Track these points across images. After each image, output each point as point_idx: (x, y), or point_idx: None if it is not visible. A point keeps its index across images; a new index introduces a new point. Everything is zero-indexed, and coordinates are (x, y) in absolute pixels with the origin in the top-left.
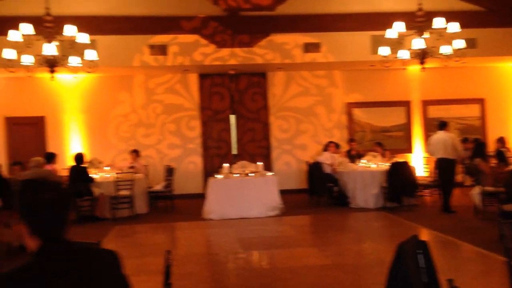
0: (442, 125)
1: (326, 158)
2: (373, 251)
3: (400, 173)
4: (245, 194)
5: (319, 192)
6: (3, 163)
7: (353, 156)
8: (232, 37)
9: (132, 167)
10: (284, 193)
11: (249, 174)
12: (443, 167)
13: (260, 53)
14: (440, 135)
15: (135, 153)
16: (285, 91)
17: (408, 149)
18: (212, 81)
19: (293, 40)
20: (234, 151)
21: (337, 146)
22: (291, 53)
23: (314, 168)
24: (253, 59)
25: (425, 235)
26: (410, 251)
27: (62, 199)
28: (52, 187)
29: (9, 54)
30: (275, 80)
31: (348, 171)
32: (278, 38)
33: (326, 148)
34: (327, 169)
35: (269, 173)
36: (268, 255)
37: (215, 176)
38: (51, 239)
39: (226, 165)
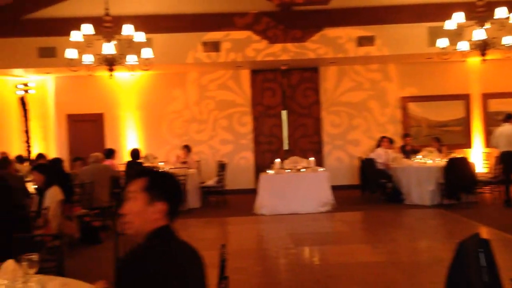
0: (509, 117)
1: (379, 154)
2: (430, 249)
3: (458, 169)
4: (297, 190)
5: (372, 188)
6: (65, 158)
7: (408, 152)
8: (284, 32)
9: (184, 163)
10: (335, 189)
11: (300, 170)
12: (507, 161)
13: (312, 48)
14: (505, 128)
15: (187, 148)
16: (337, 86)
17: (467, 144)
18: (264, 76)
19: (347, 34)
20: (286, 146)
21: (390, 141)
22: (344, 47)
23: (367, 164)
24: (305, 54)
25: (485, 233)
26: (471, 250)
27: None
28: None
29: (71, 54)
30: (327, 75)
31: (402, 167)
32: (331, 32)
33: (379, 143)
34: (380, 165)
35: (321, 169)
36: (320, 251)
37: (267, 171)
38: (171, 221)
39: (277, 160)
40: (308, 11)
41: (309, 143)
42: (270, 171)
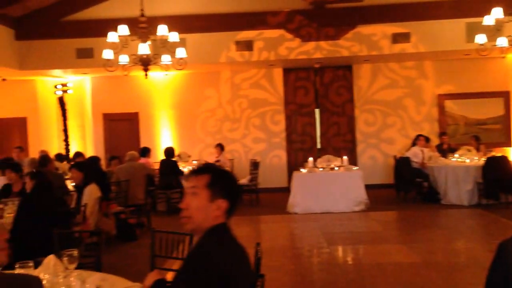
0: None
1: (415, 153)
2: (468, 250)
3: (497, 168)
4: (330, 189)
5: (407, 187)
6: (101, 156)
7: (445, 151)
8: (318, 30)
9: (217, 161)
10: (369, 188)
11: (334, 169)
12: None
13: (346, 46)
14: None
15: (220, 147)
16: (371, 84)
17: (506, 143)
18: (296, 75)
19: (381, 31)
20: (319, 145)
21: (427, 139)
22: (378, 45)
23: (402, 163)
24: (338, 52)
25: None
26: None
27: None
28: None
29: (108, 54)
30: (361, 73)
31: (439, 166)
32: (365, 29)
33: (415, 142)
34: (416, 164)
35: (354, 168)
36: (354, 251)
37: (300, 170)
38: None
39: (310, 159)
40: (341, 9)
41: (342, 142)
42: (303, 170)
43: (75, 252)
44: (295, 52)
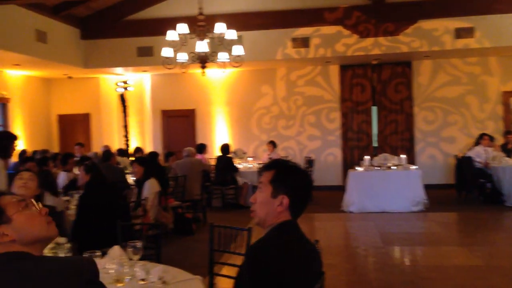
0: None
1: (478, 152)
2: None
3: None
4: (387, 188)
5: (469, 188)
6: (159, 152)
7: (510, 150)
8: (376, 26)
9: (269, 158)
10: (428, 188)
11: (391, 167)
12: None
13: (405, 41)
14: None
15: (272, 144)
16: (432, 81)
17: None
18: (353, 72)
19: (443, 26)
20: (375, 143)
21: (491, 139)
22: (440, 40)
23: (464, 163)
24: (398, 48)
25: None
26: None
27: (311, 185)
28: (307, 174)
29: (167, 52)
30: (421, 69)
31: (503, 166)
32: (426, 24)
33: (478, 141)
34: (479, 164)
35: (413, 167)
36: (412, 252)
37: (356, 168)
38: (295, 216)
39: (367, 157)
40: (401, 3)
41: (400, 140)
42: (359, 168)
43: (139, 244)
44: (353, 49)
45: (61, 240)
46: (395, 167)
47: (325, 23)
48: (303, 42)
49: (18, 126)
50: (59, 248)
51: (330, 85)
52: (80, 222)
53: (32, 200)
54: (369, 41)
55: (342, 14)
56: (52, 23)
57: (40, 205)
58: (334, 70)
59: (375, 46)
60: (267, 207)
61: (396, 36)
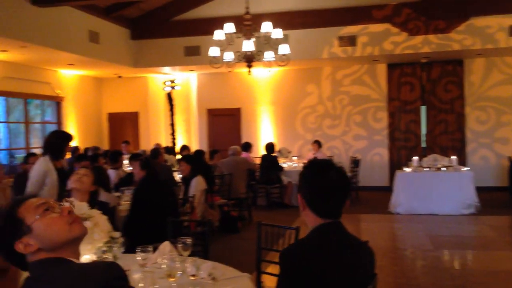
0: None
1: None
2: None
3: None
4: (436, 189)
5: None
6: (204, 150)
7: None
8: (426, 23)
9: (315, 157)
10: (480, 190)
11: (441, 169)
12: None
13: (457, 39)
14: None
15: (317, 143)
16: (484, 79)
17: None
18: (401, 70)
19: (497, 23)
20: (424, 143)
21: None
22: (494, 37)
23: None
24: (449, 45)
25: None
26: None
27: (340, 183)
28: (335, 170)
29: (214, 52)
30: (473, 68)
31: None
32: (479, 21)
33: None
34: None
35: (464, 168)
36: (462, 256)
37: (403, 169)
38: (325, 217)
39: (415, 158)
40: (453, 0)
41: (450, 141)
42: (407, 169)
43: (189, 240)
44: (401, 47)
45: (115, 234)
46: (445, 168)
47: (373, 21)
48: (350, 41)
49: (70, 124)
50: (113, 242)
51: (377, 84)
52: (133, 217)
53: (54, 201)
54: (418, 39)
55: (391, 12)
56: (104, 24)
57: (68, 203)
58: (381, 69)
59: (425, 44)
60: (301, 208)
61: (447, 34)
